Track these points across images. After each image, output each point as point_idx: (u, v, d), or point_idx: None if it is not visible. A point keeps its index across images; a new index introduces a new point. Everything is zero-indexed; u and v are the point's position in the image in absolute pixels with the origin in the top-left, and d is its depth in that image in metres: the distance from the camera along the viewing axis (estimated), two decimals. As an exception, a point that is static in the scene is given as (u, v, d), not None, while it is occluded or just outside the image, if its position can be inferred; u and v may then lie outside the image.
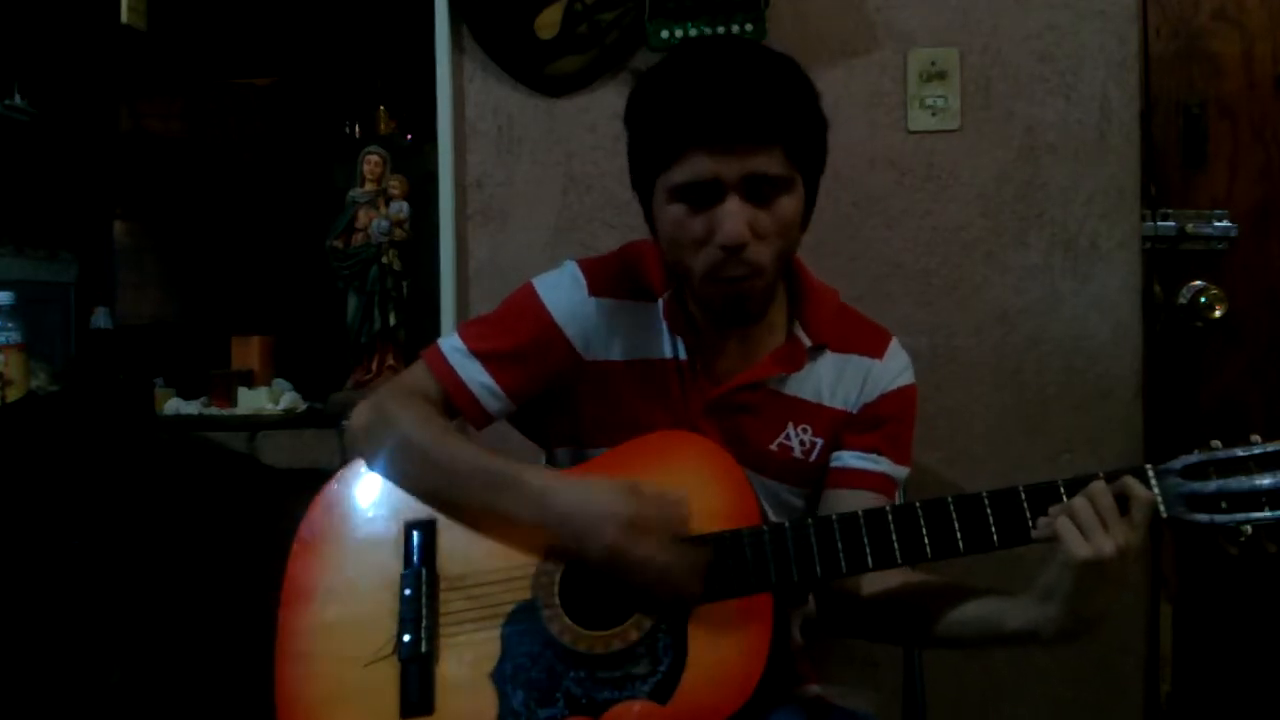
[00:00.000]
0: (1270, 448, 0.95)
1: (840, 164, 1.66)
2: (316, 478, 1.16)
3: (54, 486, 1.54)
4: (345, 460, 1.17)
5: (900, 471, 1.19)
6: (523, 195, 1.76)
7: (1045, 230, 1.70)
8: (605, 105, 1.73)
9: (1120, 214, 1.69)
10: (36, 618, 1.48)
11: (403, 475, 1.12)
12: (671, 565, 1.00)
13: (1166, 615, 1.76)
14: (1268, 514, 0.94)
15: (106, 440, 1.69)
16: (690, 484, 1.06)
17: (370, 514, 1.13)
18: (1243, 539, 0.95)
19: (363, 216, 1.89)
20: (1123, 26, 1.68)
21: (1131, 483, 0.96)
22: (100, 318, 2.60)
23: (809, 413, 1.17)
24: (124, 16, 2.02)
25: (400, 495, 1.12)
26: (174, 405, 1.95)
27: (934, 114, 1.70)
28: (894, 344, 1.22)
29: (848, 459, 1.17)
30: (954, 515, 1.00)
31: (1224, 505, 0.95)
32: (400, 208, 1.90)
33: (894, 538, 1.01)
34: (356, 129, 2.55)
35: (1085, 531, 0.94)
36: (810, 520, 1.04)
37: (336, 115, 2.59)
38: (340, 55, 2.63)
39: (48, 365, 1.91)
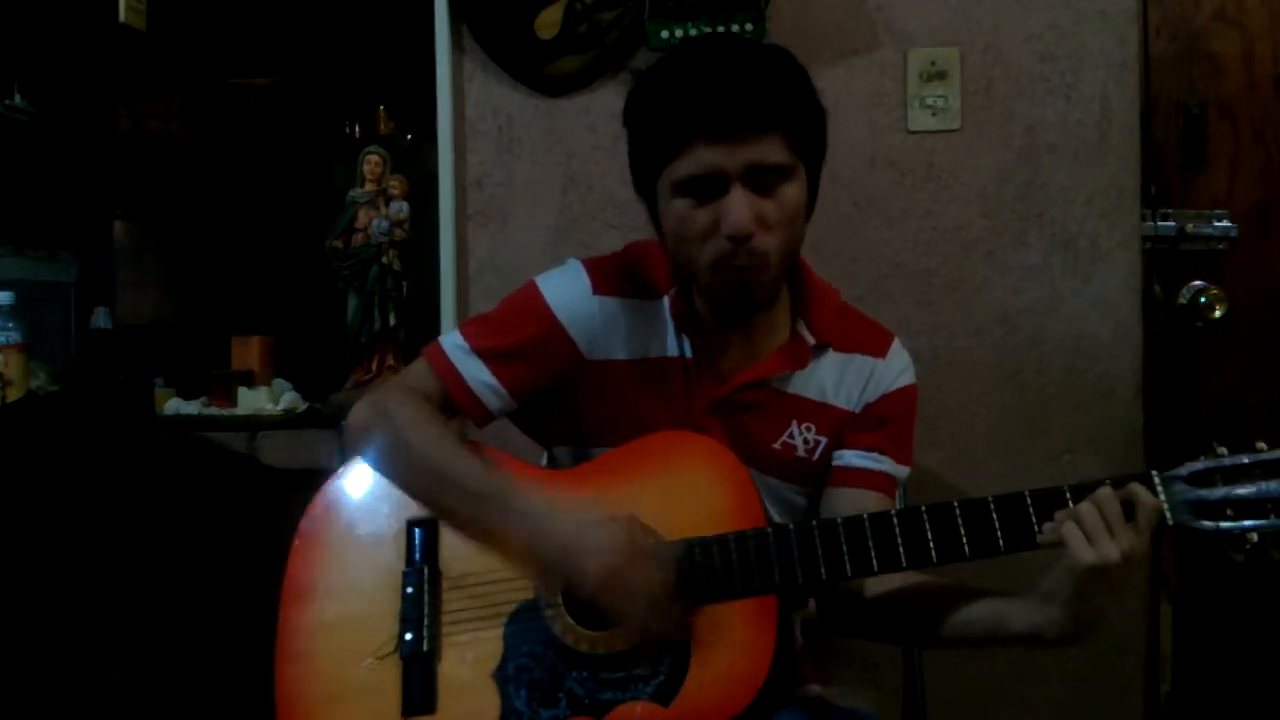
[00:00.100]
0: (1277, 454, 0.95)
1: (840, 164, 1.66)
2: (316, 478, 1.16)
3: (54, 487, 1.53)
4: (344, 460, 1.17)
5: (901, 471, 1.19)
6: (523, 195, 1.76)
7: (1045, 230, 1.70)
8: (605, 105, 1.72)
9: (1120, 214, 1.69)
10: (37, 618, 1.47)
11: (396, 475, 1.12)
12: (651, 625, 0.99)
13: (1166, 615, 1.77)
14: (1274, 521, 0.94)
15: (106, 440, 1.68)
16: (694, 484, 1.07)
17: (372, 511, 1.13)
18: (1248, 546, 0.95)
19: (363, 216, 1.89)
20: (1123, 27, 1.68)
21: (1138, 489, 0.96)
22: (100, 318, 2.60)
23: (812, 411, 1.17)
24: (123, 16, 2.01)
25: (401, 493, 1.12)
26: (174, 405, 1.95)
27: (934, 114, 1.70)
28: (896, 344, 1.22)
29: (850, 458, 1.17)
30: (960, 520, 1.00)
31: (1230, 512, 0.95)
32: (400, 208, 1.90)
33: (899, 542, 1.01)
34: (356, 129, 2.55)
35: (1091, 537, 0.94)
36: (815, 523, 1.04)
37: (336, 115, 2.59)
38: (340, 55, 2.64)
39: (48, 365, 1.91)
